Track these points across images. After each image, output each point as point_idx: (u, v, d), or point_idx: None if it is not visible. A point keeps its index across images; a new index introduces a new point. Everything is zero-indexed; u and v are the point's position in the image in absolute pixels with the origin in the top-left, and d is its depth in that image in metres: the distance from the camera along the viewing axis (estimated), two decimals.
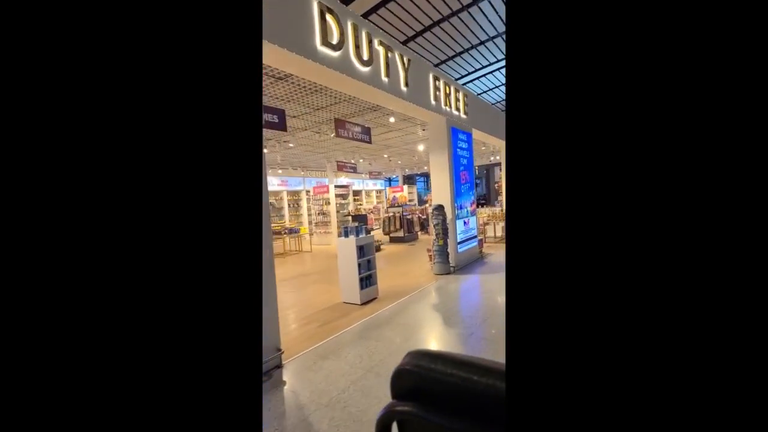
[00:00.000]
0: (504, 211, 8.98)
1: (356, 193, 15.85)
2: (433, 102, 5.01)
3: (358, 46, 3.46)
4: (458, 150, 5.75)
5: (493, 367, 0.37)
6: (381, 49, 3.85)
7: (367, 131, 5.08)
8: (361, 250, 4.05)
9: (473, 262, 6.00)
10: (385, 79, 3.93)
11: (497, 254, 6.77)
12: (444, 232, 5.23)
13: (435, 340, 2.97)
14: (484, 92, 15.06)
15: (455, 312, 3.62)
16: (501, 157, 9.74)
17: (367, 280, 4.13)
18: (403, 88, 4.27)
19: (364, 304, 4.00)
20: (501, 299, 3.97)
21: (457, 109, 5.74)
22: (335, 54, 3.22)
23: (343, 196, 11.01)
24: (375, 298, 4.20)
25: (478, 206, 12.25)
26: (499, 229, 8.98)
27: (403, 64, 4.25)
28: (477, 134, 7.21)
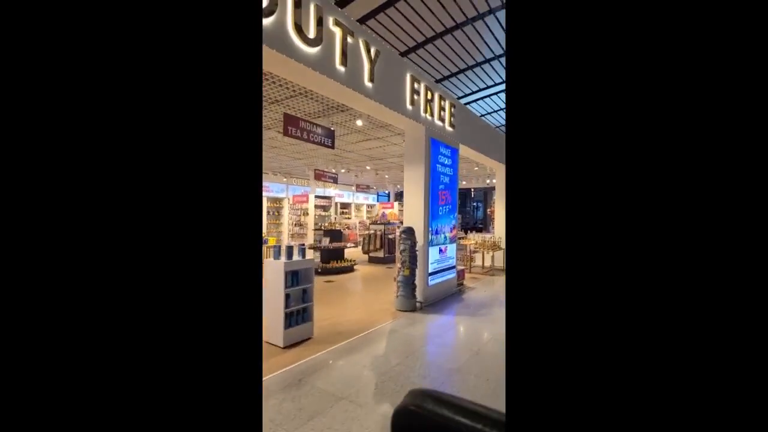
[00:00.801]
0: (494, 240, 8.12)
1: (345, 206, 15.13)
2: (409, 106, 4.26)
3: (299, 20, 2.72)
4: (439, 166, 4.97)
5: (504, 420, 0.35)
6: (337, 30, 3.12)
7: (329, 134, 4.31)
8: (293, 278, 3.20)
9: (448, 298, 5.11)
10: (340, 67, 3.18)
11: (480, 289, 5.86)
12: (412, 259, 4.38)
13: (340, 424, 2.05)
14: (488, 114, 14.48)
15: (399, 373, 2.72)
16: (497, 181, 8.94)
17: (298, 315, 3.25)
18: (368, 84, 3.52)
19: (288, 347, 3.11)
20: (471, 355, 3.07)
21: (441, 119, 5.00)
22: (263, 22, 2.47)
23: (324, 208, 10.21)
24: (308, 339, 3.32)
25: (471, 231, 11.42)
26: (488, 258, 8.11)
27: (369, 54, 3.52)
28: (468, 152, 6.46)
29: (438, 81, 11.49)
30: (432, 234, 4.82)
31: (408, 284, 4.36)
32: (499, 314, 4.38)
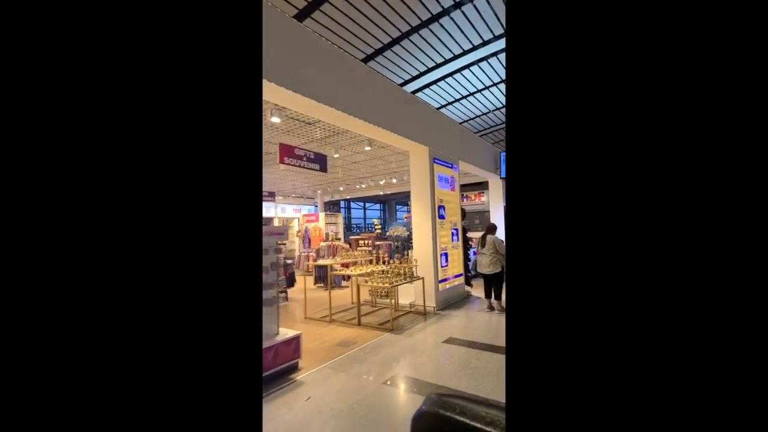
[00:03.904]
0: (406, 265, 5.49)
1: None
2: None
3: None
4: None
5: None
6: None
7: None
8: None
9: None
10: None
11: (316, 389, 3.11)
12: None
13: None
14: (470, 119, 11.72)
15: None
16: (412, 172, 6.11)
17: None
18: None
19: None
20: None
21: None
22: None
23: None
24: None
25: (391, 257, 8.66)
26: (411, 292, 5.51)
27: None
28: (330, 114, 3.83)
29: (366, 59, 8.76)
30: None
31: None
32: None
